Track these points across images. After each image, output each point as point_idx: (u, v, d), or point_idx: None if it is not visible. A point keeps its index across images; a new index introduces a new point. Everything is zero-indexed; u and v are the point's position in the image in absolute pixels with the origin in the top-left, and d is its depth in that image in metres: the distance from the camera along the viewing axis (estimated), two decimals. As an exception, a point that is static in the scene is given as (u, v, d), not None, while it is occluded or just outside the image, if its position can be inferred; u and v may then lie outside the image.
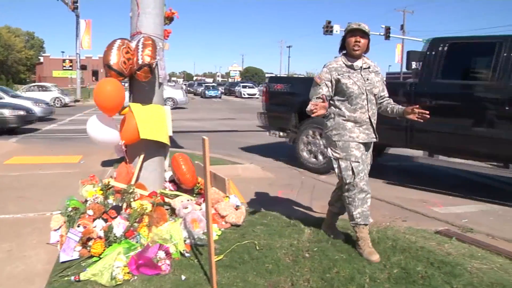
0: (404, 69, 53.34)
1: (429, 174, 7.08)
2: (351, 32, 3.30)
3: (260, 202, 4.81)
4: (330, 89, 3.32)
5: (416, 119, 3.28)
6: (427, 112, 3.20)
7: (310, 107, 3.16)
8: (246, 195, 5.10)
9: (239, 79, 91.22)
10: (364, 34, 3.29)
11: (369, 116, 3.32)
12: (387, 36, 36.01)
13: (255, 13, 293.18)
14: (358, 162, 3.28)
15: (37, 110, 14.12)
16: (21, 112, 11.82)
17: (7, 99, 14.26)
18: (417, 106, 3.28)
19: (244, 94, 41.90)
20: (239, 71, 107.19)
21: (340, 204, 3.59)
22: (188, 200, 3.88)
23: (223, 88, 53.73)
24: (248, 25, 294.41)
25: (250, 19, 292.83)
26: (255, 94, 42.26)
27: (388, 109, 3.48)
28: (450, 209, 5.00)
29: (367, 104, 3.31)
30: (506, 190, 6.13)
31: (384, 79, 3.59)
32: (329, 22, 34.78)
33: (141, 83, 3.92)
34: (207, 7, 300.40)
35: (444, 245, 3.60)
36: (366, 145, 3.40)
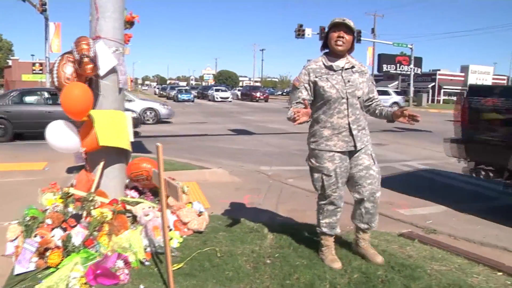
0: (375, 72, 54.36)
1: (397, 176, 7.19)
2: (334, 26, 3.03)
3: (225, 208, 4.80)
4: (310, 92, 3.09)
5: (406, 122, 3.02)
6: (418, 115, 2.95)
7: (290, 113, 2.94)
8: (212, 200, 5.07)
9: (213, 83, 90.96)
10: (349, 30, 3.02)
11: (348, 122, 3.04)
12: (358, 39, 36.41)
13: (229, 16, 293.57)
14: (330, 175, 3.09)
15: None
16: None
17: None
18: (407, 108, 3.06)
19: (217, 98, 41.77)
20: (213, 74, 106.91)
21: (367, 218, 3.26)
22: (149, 207, 3.83)
23: (196, 91, 53.53)
24: (222, 28, 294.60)
25: (224, 22, 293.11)
26: (228, 98, 42.25)
27: (376, 111, 3.27)
28: (415, 211, 5.07)
29: (348, 109, 3.03)
30: (469, 190, 6.25)
31: (373, 81, 3.32)
32: (301, 26, 35.01)
33: (100, 92, 3.86)
34: (181, 10, 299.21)
35: (406, 248, 3.65)
36: (350, 153, 3.13)
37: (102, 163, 4.02)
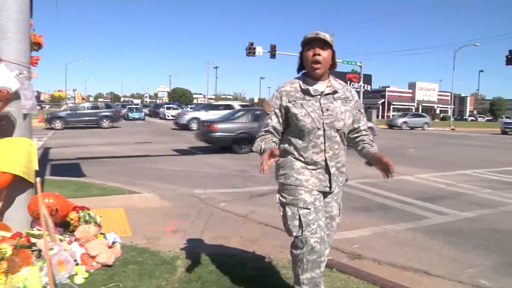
0: (325, 90, 55.08)
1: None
2: (307, 44, 2.56)
3: (147, 236, 4.61)
4: (281, 119, 2.63)
5: (383, 172, 2.52)
6: (393, 170, 2.46)
7: (256, 148, 2.61)
8: (135, 228, 4.87)
9: (167, 100, 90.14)
10: (325, 45, 2.53)
11: (325, 158, 2.58)
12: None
13: (182, 34, 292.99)
14: (308, 209, 2.54)
15: None
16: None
17: None
18: (387, 160, 2.49)
19: (168, 116, 41.24)
20: (167, 92, 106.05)
21: None
22: (56, 241, 3.59)
23: (148, 109, 52.78)
24: (176, 46, 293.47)
25: (177, 40, 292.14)
26: (179, 116, 41.80)
27: (359, 147, 2.76)
28: (343, 234, 5.01)
29: (325, 142, 2.56)
30: (402, 210, 6.32)
31: (361, 108, 2.81)
32: (252, 44, 35.38)
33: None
34: (134, 27, 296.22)
35: (321, 279, 3.57)
36: (323, 194, 2.68)
37: (3, 194, 3.75)
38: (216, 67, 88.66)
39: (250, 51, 34.59)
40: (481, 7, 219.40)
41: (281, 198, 2.68)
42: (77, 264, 3.47)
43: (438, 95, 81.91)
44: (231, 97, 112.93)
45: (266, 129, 2.65)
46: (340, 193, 2.79)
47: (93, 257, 3.60)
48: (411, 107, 76.59)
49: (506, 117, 46.19)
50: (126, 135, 20.51)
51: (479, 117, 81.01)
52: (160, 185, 7.67)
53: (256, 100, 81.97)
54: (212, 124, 13.39)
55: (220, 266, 3.60)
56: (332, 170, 2.62)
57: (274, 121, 2.64)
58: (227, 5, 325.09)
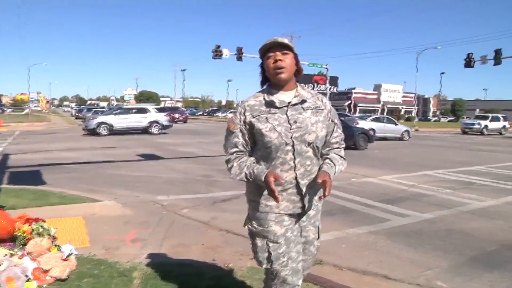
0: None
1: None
2: (267, 52, 2.33)
3: (106, 246, 4.49)
4: (247, 137, 2.37)
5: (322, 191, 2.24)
6: (327, 195, 2.18)
7: (234, 173, 2.37)
8: (94, 238, 4.74)
9: (134, 103, 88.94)
10: (285, 49, 2.31)
11: (295, 176, 2.30)
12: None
13: (149, 36, 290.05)
14: (278, 242, 2.33)
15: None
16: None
17: None
18: (321, 180, 2.19)
19: (135, 119, 40.60)
20: (134, 94, 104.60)
21: None
22: (5, 255, 3.46)
23: (114, 112, 51.81)
24: (142, 48, 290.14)
25: (145, 42, 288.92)
26: (146, 119, 41.17)
27: (321, 162, 2.42)
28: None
29: (294, 158, 2.28)
30: (365, 212, 6.38)
31: (335, 118, 2.50)
32: (218, 47, 35.23)
33: None
34: (101, 28, 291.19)
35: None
36: (298, 215, 2.41)
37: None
38: (183, 70, 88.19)
39: (217, 53, 34.46)
40: (442, 12, 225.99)
41: (250, 227, 2.45)
42: (28, 280, 3.35)
43: (403, 96, 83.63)
44: (199, 99, 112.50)
45: (235, 149, 2.37)
46: (318, 215, 2.53)
47: (46, 272, 3.48)
48: (377, 108, 77.98)
49: (466, 118, 47.54)
50: (90, 140, 20.08)
51: (441, 117, 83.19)
52: (122, 192, 7.51)
53: (223, 103, 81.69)
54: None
55: (178, 277, 3.54)
56: (305, 189, 2.32)
57: (240, 139, 2.36)
58: (194, 8, 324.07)
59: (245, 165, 2.31)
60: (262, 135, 2.28)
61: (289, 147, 2.27)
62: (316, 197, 2.44)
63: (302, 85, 2.51)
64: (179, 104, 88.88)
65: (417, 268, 4.20)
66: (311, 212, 2.46)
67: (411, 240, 5.08)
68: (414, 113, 55.62)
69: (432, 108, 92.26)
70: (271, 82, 2.39)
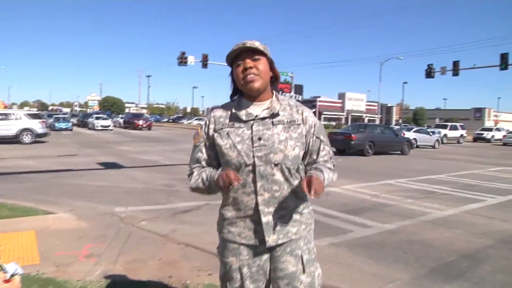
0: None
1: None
2: (236, 58, 2.00)
3: (56, 263, 4.26)
4: (212, 152, 2.07)
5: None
6: (311, 192, 1.78)
7: (193, 184, 2.06)
8: (45, 254, 4.49)
9: (98, 109, 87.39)
10: (256, 53, 1.98)
11: (256, 202, 1.96)
12: (240, 68, 37.31)
13: (114, 41, 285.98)
14: (231, 278, 2.06)
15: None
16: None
17: None
18: (306, 180, 1.83)
19: (97, 126, 39.79)
20: (98, 100, 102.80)
21: None
22: None
23: (76, 119, 50.70)
24: (107, 53, 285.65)
25: (109, 47, 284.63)
26: (109, 126, 40.52)
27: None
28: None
29: (256, 181, 1.95)
30: (326, 223, 6.33)
31: (321, 134, 2.12)
32: (184, 53, 34.99)
33: None
34: (63, 32, 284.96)
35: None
36: (269, 248, 2.03)
37: None
38: (148, 76, 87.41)
39: (182, 60, 34.20)
40: (405, 24, 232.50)
41: (217, 249, 2.17)
42: (-34, 303, 3.10)
43: (366, 105, 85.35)
44: (164, 106, 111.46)
45: (196, 165, 2.09)
46: (299, 242, 2.07)
47: (-14, 294, 3.24)
48: (341, 116, 79.16)
49: (427, 126, 48.82)
50: (49, 147, 19.46)
51: (404, 125, 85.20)
52: (79, 203, 7.22)
53: (188, 110, 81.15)
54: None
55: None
56: (265, 220, 1.96)
57: (205, 155, 2.07)
58: (159, 13, 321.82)
59: (204, 172, 2.03)
60: (222, 152, 1.99)
61: (249, 168, 1.94)
62: (292, 229, 2.04)
63: (283, 95, 2.24)
64: (144, 111, 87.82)
65: (378, 281, 4.15)
66: (274, 243, 2.00)
67: (373, 252, 5.05)
68: (377, 122, 56.69)
69: (395, 117, 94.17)
70: (243, 92, 2.06)
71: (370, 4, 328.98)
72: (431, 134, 30.67)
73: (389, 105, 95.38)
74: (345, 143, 19.56)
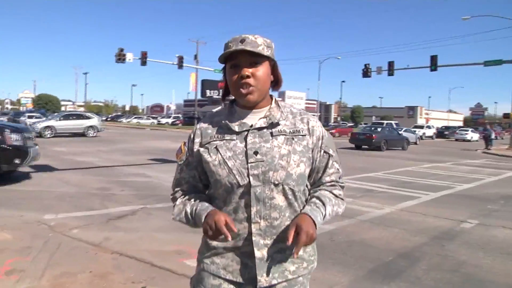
0: (199, 97, 55.66)
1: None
2: (230, 59, 1.63)
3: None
4: (197, 172, 1.73)
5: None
6: (297, 250, 1.48)
7: (176, 214, 1.72)
8: (-40, 272, 4.09)
9: (32, 107, 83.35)
10: (257, 57, 1.60)
11: (250, 231, 1.60)
12: (180, 65, 36.82)
13: (48, 36, 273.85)
14: None
15: None
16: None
17: None
18: (294, 231, 1.50)
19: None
20: (32, 98, 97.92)
21: None
22: None
23: (7, 117, 47.95)
24: (41, 49, 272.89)
25: (43, 43, 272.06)
26: (43, 125, 38.61)
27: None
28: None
29: (251, 206, 1.58)
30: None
31: (330, 148, 1.74)
32: (122, 50, 34.08)
33: None
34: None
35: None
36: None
37: None
38: (85, 73, 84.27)
39: (120, 57, 33.30)
40: (343, 23, 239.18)
41: (191, 282, 1.80)
42: None
43: (306, 103, 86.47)
44: (102, 104, 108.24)
45: (180, 188, 1.76)
46: (296, 284, 1.68)
47: None
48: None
49: (364, 124, 50.38)
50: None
51: (342, 123, 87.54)
52: (4, 212, 6.68)
53: (127, 108, 79.20)
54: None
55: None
56: (260, 253, 1.59)
57: (190, 175, 1.74)
58: (96, 9, 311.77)
59: (189, 203, 1.69)
60: (210, 171, 1.64)
61: (242, 189, 1.58)
62: (291, 267, 1.67)
63: (284, 102, 1.80)
64: (81, 109, 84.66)
65: (317, 286, 4.10)
66: (268, 283, 1.61)
67: (312, 255, 5.01)
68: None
69: (333, 115, 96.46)
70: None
71: (309, 4, 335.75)
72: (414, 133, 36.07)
73: (327, 103, 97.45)
74: (367, 141, 25.01)
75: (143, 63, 33.40)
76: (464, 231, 6.39)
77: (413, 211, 7.65)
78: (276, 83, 1.72)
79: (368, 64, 34.82)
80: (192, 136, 1.74)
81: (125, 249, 4.88)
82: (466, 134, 46.07)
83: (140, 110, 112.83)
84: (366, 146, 25.45)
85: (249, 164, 1.58)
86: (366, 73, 34.96)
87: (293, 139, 1.64)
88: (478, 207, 8.35)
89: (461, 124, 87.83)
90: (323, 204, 1.65)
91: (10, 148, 9.03)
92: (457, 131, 47.27)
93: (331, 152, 1.73)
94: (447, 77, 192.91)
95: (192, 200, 1.71)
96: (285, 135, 1.64)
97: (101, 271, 4.25)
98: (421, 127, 47.83)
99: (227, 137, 1.65)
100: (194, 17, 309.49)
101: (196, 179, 1.74)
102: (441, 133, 48.88)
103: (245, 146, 1.61)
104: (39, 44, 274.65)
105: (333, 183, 1.74)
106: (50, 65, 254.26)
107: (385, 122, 41.83)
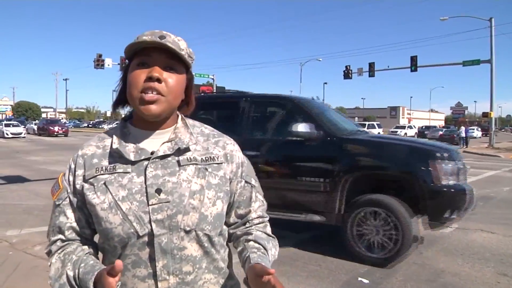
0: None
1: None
2: (139, 54, 1.22)
3: None
4: (82, 215, 1.24)
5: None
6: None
7: (52, 278, 1.19)
8: None
9: (11, 115, 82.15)
10: (175, 61, 1.23)
11: None
12: (160, 70, 36.60)
13: (27, 43, 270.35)
14: None
15: None
16: None
17: None
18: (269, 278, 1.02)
19: (7, 134, 37.02)
20: (11, 105, 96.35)
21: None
22: None
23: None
24: (19, 56, 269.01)
25: (22, 49, 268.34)
26: (21, 134, 37.98)
27: (239, 247, 1.31)
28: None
29: (158, 260, 1.17)
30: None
31: (252, 177, 1.39)
32: (100, 56, 33.81)
33: None
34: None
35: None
36: None
37: None
38: (66, 79, 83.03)
39: (99, 63, 33.07)
40: (321, 27, 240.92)
41: None
42: None
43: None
44: (84, 110, 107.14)
45: (58, 237, 1.24)
46: None
47: None
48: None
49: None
50: None
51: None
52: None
53: (109, 114, 78.33)
54: None
55: None
56: None
57: (71, 219, 1.24)
58: (75, 15, 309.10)
59: (71, 262, 1.19)
60: (97, 216, 1.19)
61: (144, 239, 1.17)
62: None
63: (192, 120, 1.38)
64: (62, 116, 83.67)
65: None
66: None
67: (285, 268, 4.81)
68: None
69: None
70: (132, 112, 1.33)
71: (291, 6, 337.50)
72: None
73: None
74: None
75: (122, 68, 33.07)
76: (443, 236, 6.28)
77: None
78: (187, 103, 1.35)
79: (348, 65, 34.98)
80: (72, 166, 1.27)
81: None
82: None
83: (122, 116, 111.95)
84: None
85: (150, 207, 1.17)
86: (347, 74, 35.09)
87: (206, 169, 1.25)
88: (457, 209, 8.25)
89: (442, 123, 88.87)
90: (266, 250, 1.27)
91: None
92: (442, 133, 47.85)
93: (253, 182, 1.37)
94: (428, 77, 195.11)
95: (73, 255, 1.21)
96: (196, 164, 1.24)
97: (59, 294, 4.00)
98: (403, 127, 48.24)
99: (120, 169, 1.21)
100: (171, 22, 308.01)
101: (82, 224, 1.26)
102: (421, 133, 49.33)
103: (145, 181, 1.19)
104: (17, 50, 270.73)
105: (260, 219, 1.37)
106: (29, 72, 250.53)
107: (367, 123, 42.02)
